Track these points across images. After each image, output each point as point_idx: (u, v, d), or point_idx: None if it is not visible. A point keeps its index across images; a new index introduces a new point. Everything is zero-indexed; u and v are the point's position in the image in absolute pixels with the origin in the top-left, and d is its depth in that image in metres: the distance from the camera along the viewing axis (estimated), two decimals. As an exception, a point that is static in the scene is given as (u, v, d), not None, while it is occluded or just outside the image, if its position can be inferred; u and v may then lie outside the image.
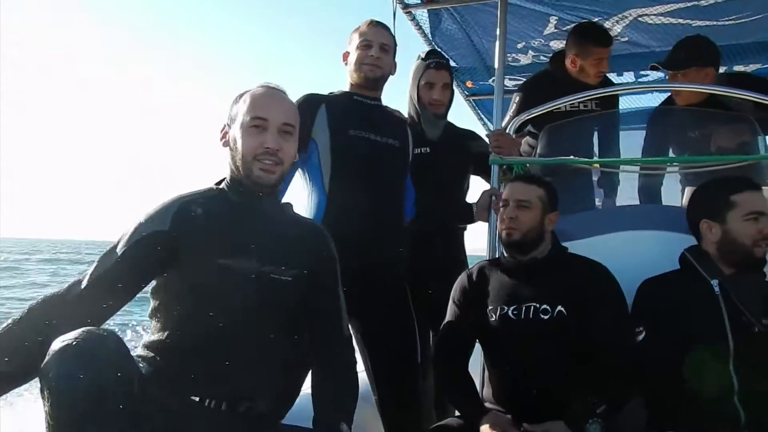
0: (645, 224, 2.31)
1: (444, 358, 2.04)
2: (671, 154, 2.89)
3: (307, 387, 1.71)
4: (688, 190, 2.69)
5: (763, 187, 1.95)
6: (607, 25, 3.26)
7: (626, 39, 3.44)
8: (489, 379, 2.05)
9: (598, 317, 1.85)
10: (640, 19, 3.20)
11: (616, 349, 1.84)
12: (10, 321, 1.41)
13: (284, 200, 1.82)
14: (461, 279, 2.10)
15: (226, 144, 1.67)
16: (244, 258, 1.56)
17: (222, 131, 1.69)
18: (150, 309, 1.60)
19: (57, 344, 1.23)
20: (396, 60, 2.39)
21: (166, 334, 1.53)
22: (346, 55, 2.36)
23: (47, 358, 1.22)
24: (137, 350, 1.56)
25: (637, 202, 2.83)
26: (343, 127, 2.23)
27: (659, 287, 1.92)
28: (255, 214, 1.63)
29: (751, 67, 3.67)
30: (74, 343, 1.22)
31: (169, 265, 1.53)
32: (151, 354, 1.52)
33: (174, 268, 1.54)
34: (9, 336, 1.38)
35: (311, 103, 2.23)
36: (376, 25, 2.32)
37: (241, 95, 1.67)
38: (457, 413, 1.98)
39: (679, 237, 2.07)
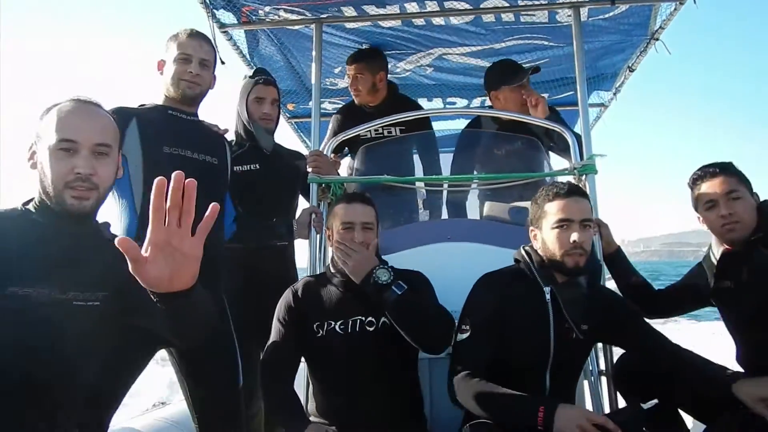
0: (456, 236, 2.52)
1: (269, 379, 2.01)
2: (476, 171, 3.19)
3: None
4: (487, 204, 2.99)
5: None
6: (414, 57, 3.52)
7: (432, 68, 3.73)
8: (314, 393, 2.08)
9: None
10: (444, 56, 3.50)
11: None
12: None
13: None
14: (286, 296, 2.10)
15: (33, 166, 1.51)
16: (45, 285, 1.42)
17: (29, 150, 1.52)
18: None
19: None
20: (215, 73, 2.32)
21: None
22: (161, 64, 2.23)
23: None
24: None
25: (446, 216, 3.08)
26: (157, 144, 2.09)
27: (494, 289, 1.98)
28: (62, 238, 1.49)
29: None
30: None
31: None
32: None
33: None
34: None
35: (120, 116, 1.95)
36: (196, 37, 2.22)
37: (48, 109, 1.51)
38: None
39: (483, 247, 2.29)
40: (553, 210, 1.92)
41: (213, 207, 1.19)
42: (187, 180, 1.16)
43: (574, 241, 1.85)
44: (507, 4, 2.83)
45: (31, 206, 1.52)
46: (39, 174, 1.49)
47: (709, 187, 2.09)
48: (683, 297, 2.35)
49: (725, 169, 2.09)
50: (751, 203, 2.06)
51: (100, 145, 1.50)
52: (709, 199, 2.09)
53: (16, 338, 1.38)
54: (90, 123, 1.51)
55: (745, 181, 2.08)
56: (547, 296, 1.93)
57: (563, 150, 2.79)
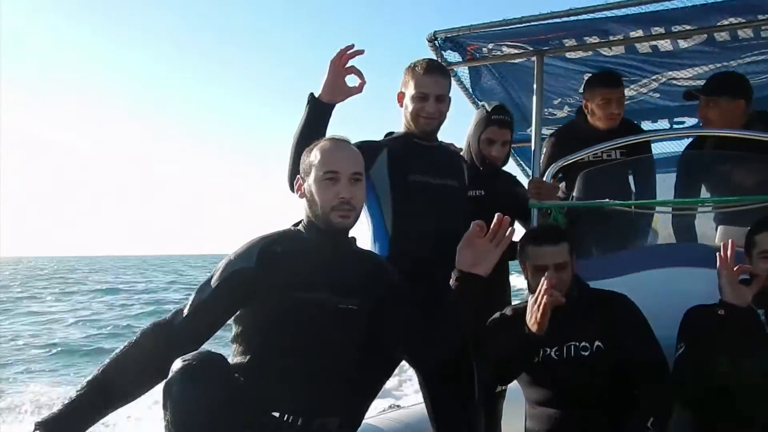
0: (681, 262, 2.47)
1: None
2: (703, 194, 3.01)
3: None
4: (721, 229, 2.83)
5: None
6: (640, 83, 3.47)
7: (659, 94, 3.63)
8: (531, 413, 2.18)
9: (632, 345, 2.04)
10: (671, 80, 3.40)
11: (653, 367, 2.01)
12: (127, 344, 1.70)
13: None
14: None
15: (302, 195, 1.91)
16: (318, 291, 1.78)
17: (297, 183, 1.94)
18: (233, 334, 1.84)
19: (178, 364, 1.51)
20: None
21: (248, 357, 1.76)
22: (400, 96, 2.38)
23: (170, 375, 1.50)
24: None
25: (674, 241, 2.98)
26: (404, 172, 2.28)
27: (704, 312, 2.04)
28: (329, 252, 1.86)
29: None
30: (193, 363, 1.49)
31: (253, 296, 1.76)
32: (235, 374, 1.73)
33: (256, 300, 1.77)
34: (130, 357, 1.66)
35: (371, 148, 2.26)
36: (433, 73, 2.30)
37: (311, 149, 1.91)
38: None
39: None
40: (762, 240, 2.00)
41: (509, 232, 1.89)
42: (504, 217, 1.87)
43: None
44: (743, 20, 2.66)
45: (301, 227, 1.92)
46: (307, 201, 1.88)
47: None
48: None
49: None
50: None
51: (355, 173, 1.85)
52: None
53: (299, 333, 1.75)
54: (348, 156, 1.87)
55: None
56: (762, 318, 1.96)
57: None
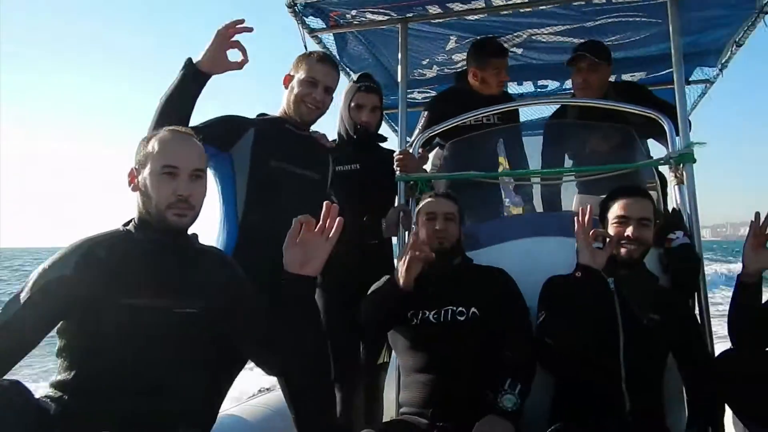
0: (546, 231, 2.51)
1: None
2: (566, 162, 3.13)
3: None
4: (577, 197, 2.94)
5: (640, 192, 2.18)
6: (502, 40, 3.46)
7: (522, 50, 3.67)
8: (405, 383, 2.17)
9: (506, 313, 2.11)
10: (533, 37, 3.43)
11: (521, 335, 2.10)
12: None
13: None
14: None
15: (135, 188, 1.70)
16: (148, 296, 1.60)
17: (130, 175, 1.71)
18: (57, 348, 1.62)
19: None
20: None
21: (73, 373, 1.56)
22: (287, 79, 2.33)
23: None
24: (47, 390, 1.59)
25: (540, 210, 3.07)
26: (266, 157, 2.20)
27: (562, 281, 2.14)
28: (162, 253, 1.68)
29: (636, 76, 4.00)
30: None
31: (73, 307, 1.56)
32: (59, 393, 1.55)
33: (78, 310, 1.56)
34: None
35: (239, 124, 2.19)
36: (326, 63, 2.32)
37: (148, 139, 1.70)
38: None
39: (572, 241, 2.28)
40: (615, 207, 2.13)
41: (338, 222, 1.74)
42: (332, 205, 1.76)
43: (628, 236, 2.07)
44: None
45: (131, 226, 1.71)
46: (141, 196, 1.68)
47: None
48: None
49: None
50: None
51: (196, 170, 1.68)
52: None
53: (128, 343, 1.57)
54: (189, 151, 1.69)
55: None
56: (612, 286, 2.08)
57: (661, 135, 2.67)
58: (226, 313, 1.74)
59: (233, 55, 2.09)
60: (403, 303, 2.12)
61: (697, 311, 2.29)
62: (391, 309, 2.13)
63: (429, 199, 2.32)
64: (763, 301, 2.12)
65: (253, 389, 3.74)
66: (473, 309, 2.09)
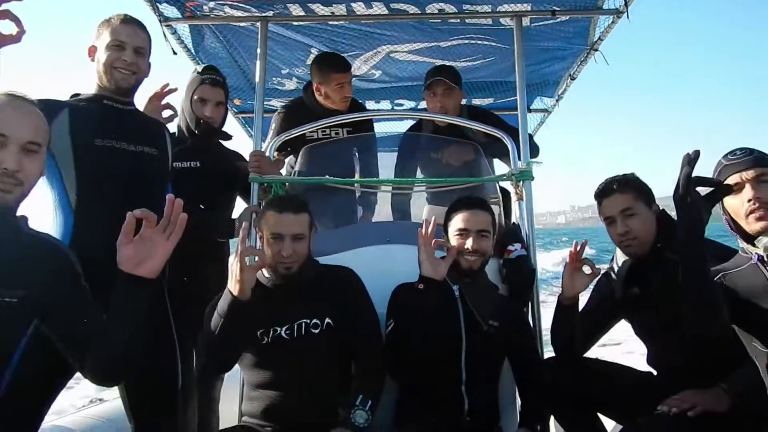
0: (395, 238, 2.54)
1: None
2: (419, 173, 3.23)
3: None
4: (426, 208, 3.04)
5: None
6: (362, 58, 3.55)
7: (380, 72, 3.76)
8: (250, 395, 2.07)
9: (357, 322, 2.08)
10: (391, 55, 3.53)
11: (371, 345, 2.08)
12: None
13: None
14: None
15: None
16: None
17: None
18: None
19: None
20: (151, 60, 2.19)
21: None
22: (92, 50, 2.09)
23: None
24: None
25: (391, 219, 3.12)
26: (88, 137, 1.99)
27: (408, 290, 2.16)
28: None
29: (485, 101, 4.28)
30: None
31: None
32: None
33: None
34: None
35: (49, 108, 1.86)
36: (130, 23, 2.09)
37: None
38: None
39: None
40: (455, 220, 2.20)
41: (181, 219, 1.54)
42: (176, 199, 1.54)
43: (467, 248, 2.13)
44: (453, 10, 2.86)
45: None
46: None
47: (607, 204, 2.16)
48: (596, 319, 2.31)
49: (623, 186, 2.14)
50: (647, 217, 2.12)
51: (31, 143, 1.46)
52: (607, 216, 2.17)
53: None
54: (24, 119, 1.47)
55: (643, 195, 2.13)
56: (456, 293, 2.15)
57: (505, 155, 2.85)
58: (46, 307, 1.49)
59: (7, 28, 1.77)
60: (250, 321, 1.97)
61: (530, 318, 2.43)
62: (235, 325, 1.90)
63: (275, 214, 2.04)
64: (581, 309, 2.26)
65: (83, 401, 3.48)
66: (327, 319, 2.04)
